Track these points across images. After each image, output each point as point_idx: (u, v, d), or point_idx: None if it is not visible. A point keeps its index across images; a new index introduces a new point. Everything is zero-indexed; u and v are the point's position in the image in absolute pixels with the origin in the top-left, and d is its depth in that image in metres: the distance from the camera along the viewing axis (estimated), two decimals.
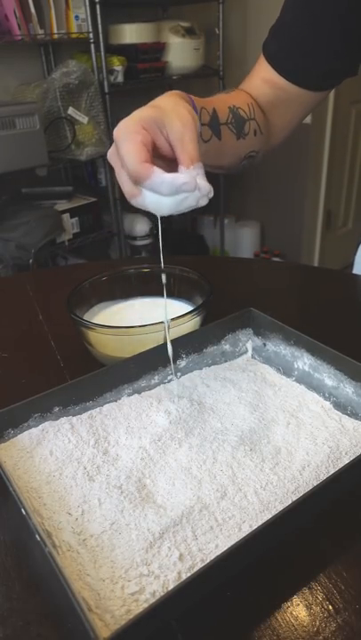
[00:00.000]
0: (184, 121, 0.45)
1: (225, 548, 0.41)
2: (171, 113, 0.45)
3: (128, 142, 0.43)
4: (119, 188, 0.47)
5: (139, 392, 0.63)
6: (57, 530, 0.46)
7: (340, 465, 0.51)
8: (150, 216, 2.36)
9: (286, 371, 0.66)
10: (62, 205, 2.02)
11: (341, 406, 0.59)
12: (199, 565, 0.42)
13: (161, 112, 0.45)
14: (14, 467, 0.52)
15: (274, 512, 0.46)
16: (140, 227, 2.32)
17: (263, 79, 0.74)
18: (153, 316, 0.70)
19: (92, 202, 2.08)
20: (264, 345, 0.68)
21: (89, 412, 0.59)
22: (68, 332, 0.74)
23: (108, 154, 0.48)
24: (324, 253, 2.77)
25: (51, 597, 0.42)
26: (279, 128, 0.76)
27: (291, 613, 0.41)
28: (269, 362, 0.67)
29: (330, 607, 0.41)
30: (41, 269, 1.84)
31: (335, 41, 0.69)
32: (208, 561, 0.40)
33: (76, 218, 2.04)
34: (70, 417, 0.58)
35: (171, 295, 0.79)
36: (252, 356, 0.69)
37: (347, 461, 0.51)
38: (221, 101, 0.67)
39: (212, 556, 0.42)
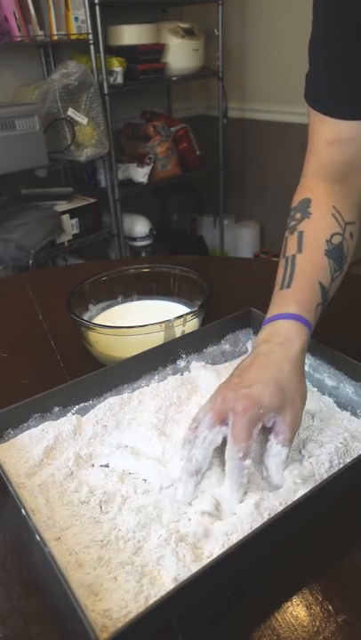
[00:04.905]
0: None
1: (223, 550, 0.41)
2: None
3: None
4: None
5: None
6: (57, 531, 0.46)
7: (341, 464, 0.51)
8: (150, 219, 2.36)
9: None
10: (62, 206, 2.02)
11: (342, 406, 0.59)
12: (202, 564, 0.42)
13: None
14: (14, 467, 0.52)
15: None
16: (140, 228, 2.32)
17: (326, 142, 0.62)
18: (153, 316, 0.70)
19: (91, 203, 2.08)
20: None
21: (90, 411, 0.59)
22: (68, 332, 0.74)
23: None
24: None
25: (50, 597, 0.42)
26: None
27: (291, 613, 0.41)
28: None
29: (330, 607, 0.41)
30: (41, 270, 1.84)
31: None
32: (209, 560, 0.40)
33: (76, 219, 2.04)
34: (70, 416, 0.58)
35: (170, 295, 0.79)
36: None
37: (347, 460, 0.51)
38: (317, 251, 0.58)
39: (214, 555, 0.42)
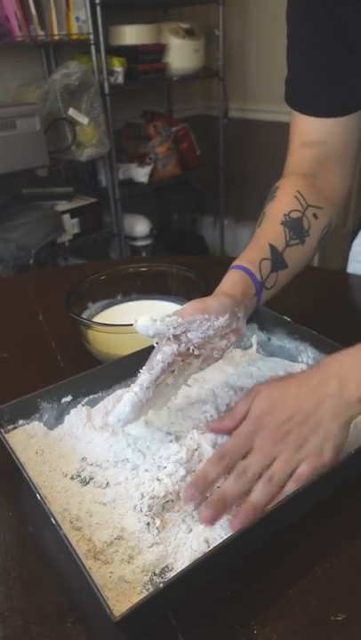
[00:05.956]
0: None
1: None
2: None
3: None
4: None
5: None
6: (69, 515, 0.47)
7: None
8: (151, 219, 2.36)
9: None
10: (63, 206, 2.02)
11: None
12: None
13: None
14: (27, 456, 0.53)
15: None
16: (141, 227, 2.32)
17: (300, 144, 0.70)
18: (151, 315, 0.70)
19: (92, 202, 2.08)
20: (269, 339, 0.69)
21: (100, 403, 0.61)
22: (68, 332, 0.74)
23: None
24: (324, 254, 2.77)
25: (64, 581, 0.43)
26: (339, 179, 0.71)
27: (290, 612, 0.41)
28: (274, 355, 0.69)
29: (330, 606, 0.41)
30: (41, 269, 1.84)
31: (349, 62, 0.64)
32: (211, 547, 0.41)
33: (77, 218, 2.04)
34: (80, 408, 0.60)
35: (170, 294, 0.79)
36: (257, 351, 0.70)
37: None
38: (273, 221, 0.64)
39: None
